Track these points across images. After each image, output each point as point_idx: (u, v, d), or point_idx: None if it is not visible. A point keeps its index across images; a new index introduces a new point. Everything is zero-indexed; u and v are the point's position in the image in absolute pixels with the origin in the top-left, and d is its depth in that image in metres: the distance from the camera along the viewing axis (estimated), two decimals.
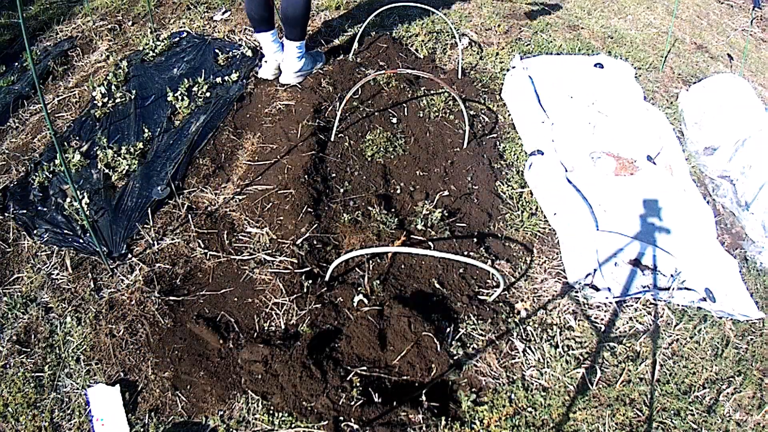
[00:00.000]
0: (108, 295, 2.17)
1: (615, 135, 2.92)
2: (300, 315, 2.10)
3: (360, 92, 2.97)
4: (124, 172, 2.60)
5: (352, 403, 1.82)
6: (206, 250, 2.31)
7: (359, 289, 2.17)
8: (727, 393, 2.04)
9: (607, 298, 2.23)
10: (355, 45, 3.30)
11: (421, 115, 3.02)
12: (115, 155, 2.67)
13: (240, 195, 2.55)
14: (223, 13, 3.73)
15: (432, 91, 3.15)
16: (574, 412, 1.93)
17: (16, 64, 3.36)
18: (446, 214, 2.48)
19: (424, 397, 1.87)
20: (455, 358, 2.01)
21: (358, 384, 1.86)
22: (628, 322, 2.21)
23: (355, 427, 1.79)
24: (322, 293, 2.16)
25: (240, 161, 2.73)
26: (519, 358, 2.06)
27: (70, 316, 2.09)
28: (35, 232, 2.38)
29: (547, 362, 2.06)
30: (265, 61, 3.15)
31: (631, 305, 2.26)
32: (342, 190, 2.57)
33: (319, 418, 1.82)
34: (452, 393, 1.96)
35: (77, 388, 1.91)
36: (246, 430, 1.83)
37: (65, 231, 2.38)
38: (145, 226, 2.40)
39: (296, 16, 2.86)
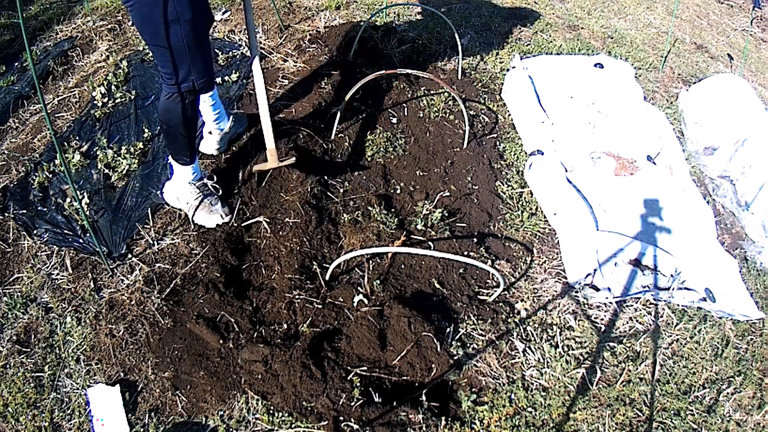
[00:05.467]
0: (108, 295, 2.17)
1: (615, 135, 2.92)
2: (300, 315, 2.10)
3: (360, 92, 2.97)
4: (124, 172, 2.60)
5: (352, 403, 1.82)
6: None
7: (359, 289, 2.17)
8: (727, 393, 2.04)
9: (607, 298, 2.23)
10: (355, 45, 3.30)
11: (421, 115, 3.02)
12: (115, 155, 2.67)
13: None
14: (223, 13, 3.73)
15: (432, 91, 3.15)
16: (574, 412, 1.93)
17: (16, 64, 3.36)
18: (446, 214, 2.48)
19: (424, 397, 1.87)
20: (455, 358, 2.01)
21: (358, 384, 1.86)
22: (628, 322, 2.21)
23: (355, 427, 1.79)
24: (322, 293, 2.16)
25: None
26: (519, 358, 2.06)
27: (70, 316, 2.09)
28: (35, 232, 2.38)
29: (547, 362, 2.06)
30: (209, 132, 2.61)
31: (631, 305, 2.26)
32: (342, 190, 2.57)
33: (319, 418, 1.82)
34: (452, 393, 1.96)
35: (77, 388, 1.91)
36: (246, 430, 1.83)
37: (65, 231, 2.38)
38: (145, 226, 2.40)
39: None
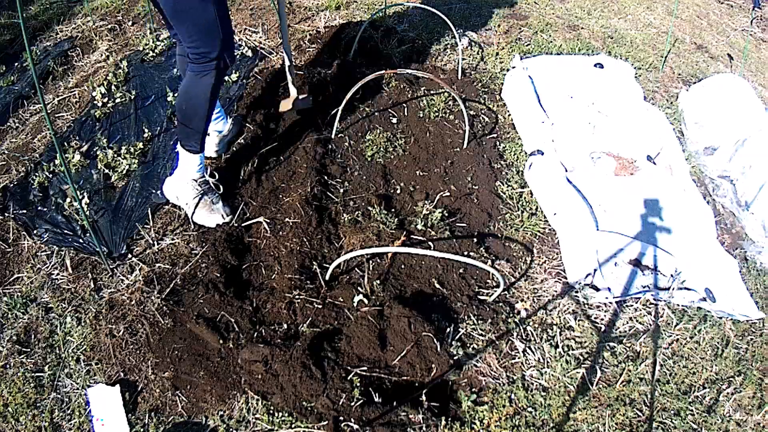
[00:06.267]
0: (108, 295, 2.17)
1: (615, 135, 2.92)
2: (300, 315, 2.10)
3: (360, 92, 2.97)
4: (124, 172, 2.60)
5: (352, 403, 1.82)
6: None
7: (359, 289, 2.17)
8: (727, 393, 2.04)
9: (607, 298, 2.23)
10: (355, 45, 3.30)
11: (421, 115, 3.02)
12: (115, 155, 2.67)
13: None
14: None
15: (432, 91, 3.15)
16: (574, 412, 1.93)
17: (16, 64, 3.37)
18: (446, 214, 2.48)
19: (424, 397, 1.87)
20: (455, 358, 2.01)
21: (358, 384, 1.86)
22: (628, 322, 2.21)
23: (355, 427, 1.79)
24: (322, 293, 2.16)
25: None
26: (519, 358, 2.06)
27: (70, 316, 2.09)
28: (35, 232, 2.38)
29: (547, 362, 2.06)
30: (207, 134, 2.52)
31: (631, 305, 2.26)
32: (342, 190, 2.57)
33: (319, 418, 1.82)
34: (452, 393, 1.96)
35: (77, 388, 1.91)
36: (246, 430, 1.83)
37: (65, 231, 2.38)
38: (145, 226, 2.40)
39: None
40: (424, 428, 1.82)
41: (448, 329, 2.07)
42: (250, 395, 1.89)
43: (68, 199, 2.48)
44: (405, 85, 3.14)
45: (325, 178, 2.61)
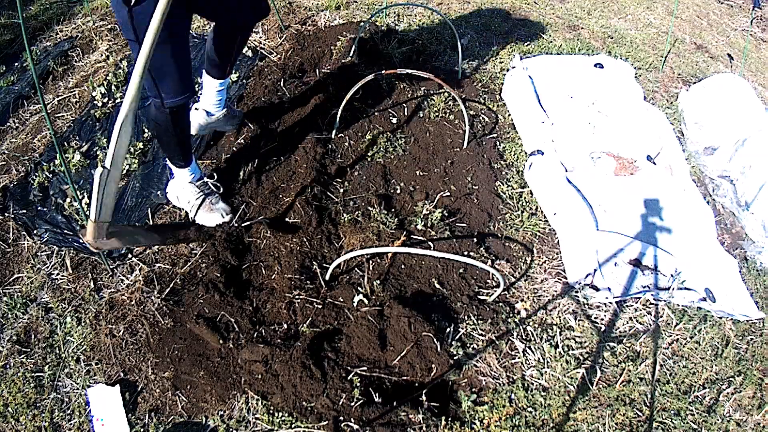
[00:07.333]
0: (108, 295, 2.17)
1: (615, 135, 2.92)
2: (300, 315, 2.10)
3: (360, 92, 2.96)
4: (124, 172, 2.60)
5: (352, 403, 1.82)
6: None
7: (359, 289, 2.17)
8: (727, 393, 2.04)
9: (607, 298, 2.23)
10: (355, 45, 3.30)
11: (421, 115, 3.01)
12: None
13: None
14: None
15: (432, 91, 3.15)
16: (574, 412, 1.93)
17: (16, 64, 3.36)
18: (446, 214, 2.48)
19: (424, 397, 1.87)
20: (455, 358, 2.01)
21: (358, 384, 1.86)
22: (628, 322, 2.21)
23: (355, 427, 1.79)
24: (322, 293, 2.16)
25: None
26: (519, 358, 2.06)
27: (70, 316, 2.09)
28: (35, 232, 2.38)
29: (547, 362, 2.06)
30: (196, 108, 2.58)
31: (632, 305, 2.26)
32: (342, 190, 2.57)
33: (319, 418, 1.82)
34: (452, 393, 1.96)
35: (77, 388, 1.91)
36: (246, 430, 1.83)
37: (65, 231, 2.38)
38: None
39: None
40: (424, 428, 1.82)
41: (448, 329, 2.07)
42: (250, 395, 1.89)
43: (68, 199, 2.48)
44: (405, 85, 3.14)
45: (325, 178, 2.61)
